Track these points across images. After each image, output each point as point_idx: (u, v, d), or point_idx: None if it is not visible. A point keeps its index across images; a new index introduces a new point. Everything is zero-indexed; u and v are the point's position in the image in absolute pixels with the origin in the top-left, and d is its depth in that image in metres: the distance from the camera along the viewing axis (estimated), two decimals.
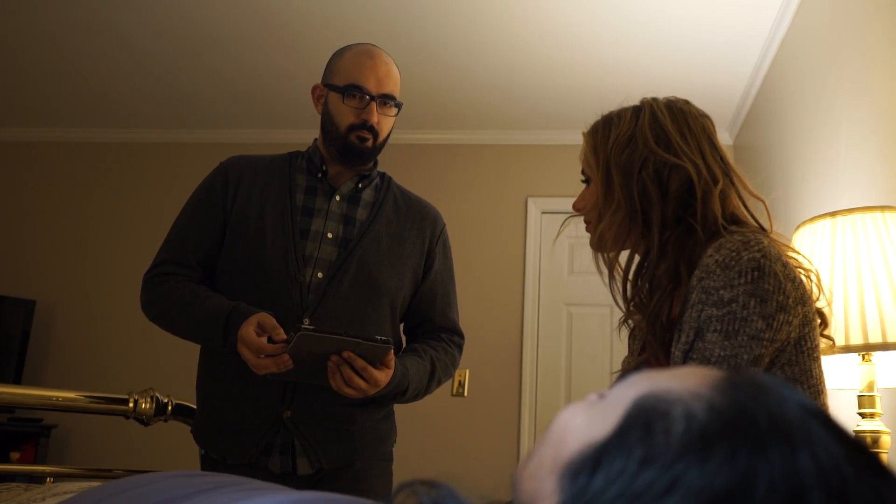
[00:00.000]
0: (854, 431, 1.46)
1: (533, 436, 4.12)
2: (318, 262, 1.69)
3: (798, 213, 2.68)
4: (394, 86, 1.74)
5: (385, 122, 1.74)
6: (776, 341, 1.10)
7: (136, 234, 4.52)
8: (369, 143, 1.72)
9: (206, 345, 1.74)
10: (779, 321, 1.09)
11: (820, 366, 1.16)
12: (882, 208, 1.56)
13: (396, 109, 1.75)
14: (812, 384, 1.13)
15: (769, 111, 3.44)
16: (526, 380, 4.22)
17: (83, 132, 4.77)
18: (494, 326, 4.24)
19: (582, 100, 3.93)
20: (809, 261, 1.24)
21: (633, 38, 3.39)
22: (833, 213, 1.59)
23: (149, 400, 2.02)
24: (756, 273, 1.08)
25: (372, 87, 1.70)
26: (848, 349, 1.48)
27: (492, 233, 4.43)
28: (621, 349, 2.20)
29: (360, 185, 1.78)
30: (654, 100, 1.28)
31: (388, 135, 1.77)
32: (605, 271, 1.28)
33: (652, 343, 1.22)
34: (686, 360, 1.12)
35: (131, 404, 2.01)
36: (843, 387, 1.72)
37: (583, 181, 1.33)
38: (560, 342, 4.30)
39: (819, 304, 1.21)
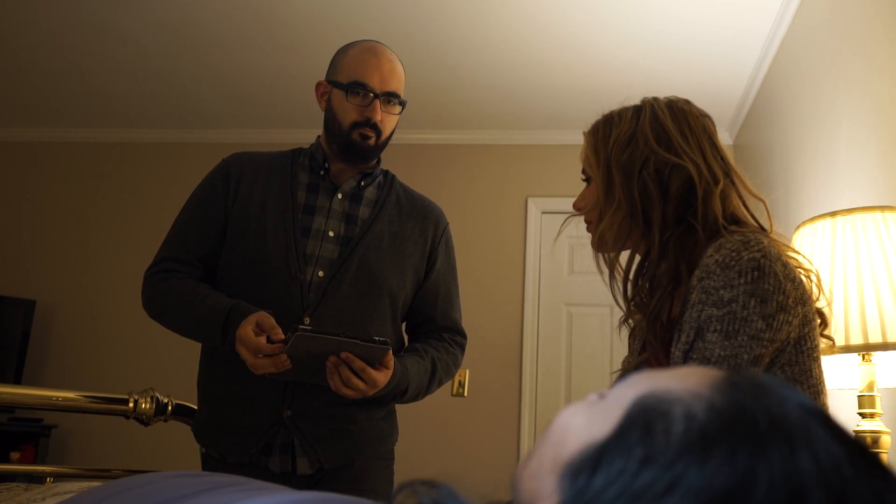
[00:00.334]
0: (854, 431, 1.46)
1: (533, 436, 4.11)
2: (319, 260, 1.68)
3: (798, 213, 2.67)
4: (398, 84, 1.72)
5: (388, 119, 1.73)
6: (776, 341, 1.10)
7: (136, 234, 4.52)
8: (372, 141, 1.71)
9: (205, 343, 1.73)
10: (779, 321, 1.09)
11: (820, 366, 1.16)
12: (882, 208, 1.56)
13: (400, 107, 1.74)
14: (812, 384, 1.13)
15: (769, 111, 3.44)
16: (526, 380, 4.22)
17: (83, 132, 4.76)
18: (494, 326, 4.24)
19: (582, 100, 3.93)
20: (809, 261, 1.24)
21: (633, 38, 3.39)
22: (833, 213, 1.59)
23: (149, 400, 2.01)
24: (756, 273, 1.08)
25: (376, 84, 1.69)
26: (848, 349, 1.48)
27: (492, 233, 4.42)
28: (621, 349, 2.20)
29: (362, 183, 1.77)
30: (655, 99, 1.28)
31: (392, 133, 1.76)
32: (606, 271, 1.28)
33: (652, 343, 1.22)
34: (686, 359, 1.12)
35: (131, 404, 2.01)
36: (843, 387, 1.72)
37: (583, 180, 1.33)
38: (560, 342, 4.29)
39: (819, 304, 1.20)
